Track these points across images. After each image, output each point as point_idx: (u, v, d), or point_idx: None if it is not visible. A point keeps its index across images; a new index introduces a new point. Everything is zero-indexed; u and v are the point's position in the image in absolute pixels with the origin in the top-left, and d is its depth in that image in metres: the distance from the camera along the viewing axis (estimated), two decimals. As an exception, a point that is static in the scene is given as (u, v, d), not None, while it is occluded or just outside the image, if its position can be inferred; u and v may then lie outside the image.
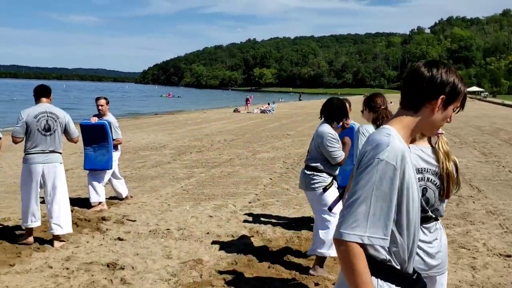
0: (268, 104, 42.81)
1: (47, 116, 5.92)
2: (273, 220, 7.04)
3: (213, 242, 6.00)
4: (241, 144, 16.77)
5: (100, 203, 7.70)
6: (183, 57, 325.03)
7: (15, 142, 5.91)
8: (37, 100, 6.11)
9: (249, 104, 42.00)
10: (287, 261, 5.36)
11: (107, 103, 7.99)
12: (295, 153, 14.38)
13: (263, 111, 38.71)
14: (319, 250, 4.86)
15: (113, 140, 7.77)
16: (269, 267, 5.16)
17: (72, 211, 7.48)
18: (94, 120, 7.71)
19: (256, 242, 6.03)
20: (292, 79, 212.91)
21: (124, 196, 8.35)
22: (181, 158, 13.48)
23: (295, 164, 12.18)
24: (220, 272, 5.01)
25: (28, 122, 5.83)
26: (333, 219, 4.72)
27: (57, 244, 5.84)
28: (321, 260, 4.92)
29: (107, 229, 6.56)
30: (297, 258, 5.43)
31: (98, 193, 7.65)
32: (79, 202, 8.04)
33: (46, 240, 6.05)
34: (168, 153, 14.53)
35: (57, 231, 5.85)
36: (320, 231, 4.85)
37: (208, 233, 6.38)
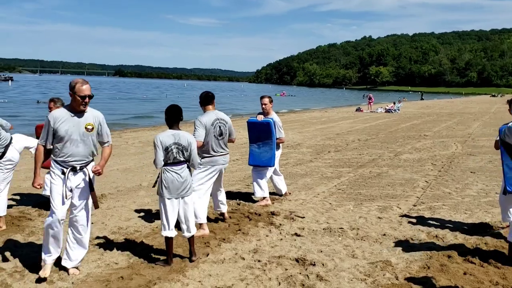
0: (394, 103, 41.55)
1: (219, 122, 6.41)
2: (448, 225, 6.72)
3: (395, 245, 5.85)
4: (378, 144, 16.39)
5: (264, 198, 7.89)
6: (296, 56, 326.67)
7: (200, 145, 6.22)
8: (205, 108, 6.45)
9: (371, 103, 41.02)
10: (483, 268, 5.06)
11: (271, 101, 8.15)
12: (440, 155, 13.73)
13: (388, 111, 37.64)
14: None
15: (276, 139, 7.91)
16: (465, 273, 4.91)
17: (239, 204, 7.82)
18: (261, 118, 7.91)
19: (439, 247, 5.78)
20: (410, 77, 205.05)
21: (283, 192, 8.48)
22: (322, 157, 13.45)
23: (446, 167, 11.60)
24: (414, 277, 4.86)
25: (206, 128, 6.25)
26: None
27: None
28: None
29: (280, 224, 6.68)
30: (495, 268, 5.10)
31: (262, 189, 7.84)
32: (241, 196, 8.33)
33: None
34: (306, 151, 14.59)
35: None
36: None
37: (384, 234, 6.25)
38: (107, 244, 5.82)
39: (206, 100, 6.48)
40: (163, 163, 5.12)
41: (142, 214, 7.27)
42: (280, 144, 8.23)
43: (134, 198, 8.35)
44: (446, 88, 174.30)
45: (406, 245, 5.82)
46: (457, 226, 6.65)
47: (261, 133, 7.86)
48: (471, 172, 10.89)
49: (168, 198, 5.15)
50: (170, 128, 5.28)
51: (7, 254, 5.39)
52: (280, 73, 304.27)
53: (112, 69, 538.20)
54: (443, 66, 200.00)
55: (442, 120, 28.64)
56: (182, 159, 5.19)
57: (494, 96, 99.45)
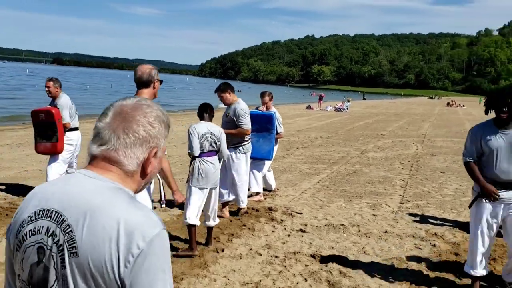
0: (343, 102, 42.51)
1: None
2: (441, 223, 6.99)
3: (400, 242, 6.02)
4: (341, 142, 16.74)
5: (258, 193, 7.89)
6: (241, 51, 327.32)
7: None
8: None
9: (321, 102, 41.79)
10: (495, 263, 5.31)
11: (271, 98, 8.18)
12: (405, 154, 14.21)
13: (337, 109, 38.46)
14: None
15: (276, 133, 7.93)
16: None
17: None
18: (263, 109, 7.93)
19: (443, 245, 6.00)
20: (351, 77, 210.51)
21: (273, 188, 8.52)
22: (292, 153, 13.59)
23: (415, 166, 12.02)
24: (430, 274, 5.03)
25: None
26: None
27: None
28: None
29: (281, 220, 6.71)
30: (501, 265, 5.36)
31: (258, 184, 7.84)
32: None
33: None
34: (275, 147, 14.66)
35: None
36: None
37: (386, 231, 6.41)
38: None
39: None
40: (199, 150, 5.26)
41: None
42: (278, 140, 8.28)
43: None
44: (385, 88, 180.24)
45: (411, 243, 6.00)
46: (450, 225, 6.92)
47: (262, 125, 7.83)
48: (441, 172, 11.34)
49: (200, 188, 5.30)
50: (201, 120, 5.52)
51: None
52: (225, 67, 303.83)
53: (50, 56, 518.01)
54: (382, 68, 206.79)
55: (392, 120, 29.60)
56: (215, 149, 5.42)
57: (431, 98, 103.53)
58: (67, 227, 1.31)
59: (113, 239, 1.27)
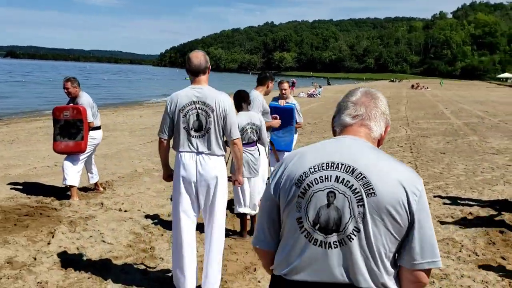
0: (315, 88, 42.81)
1: None
2: (469, 202, 7.18)
3: (442, 222, 6.17)
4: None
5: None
6: (201, 40, 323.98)
7: None
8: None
9: (293, 88, 41.97)
10: None
11: (289, 86, 8.13)
12: (398, 137, 14.48)
13: (310, 95, 38.73)
14: None
15: (296, 123, 7.92)
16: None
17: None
18: (283, 103, 7.86)
19: (482, 223, 6.17)
20: (312, 63, 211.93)
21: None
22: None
23: (415, 149, 12.29)
24: (487, 252, 5.18)
25: None
26: None
27: None
28: None
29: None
30: None
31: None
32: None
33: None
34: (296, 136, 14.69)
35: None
36: None
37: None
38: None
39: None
40: None
41: (169, 200, 6.99)
42: (297, 129, 8.26)
43: (145, 184, 8.00)
44: (345, 73, 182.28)
45: (452, 223, 6.15)
46: (479, 204, 7.12)
47: (282, 118, 7.80)
48: (441, 153, 11.63)
49: (245, 177, 5.28)
50: (239, 111, 5.41)
51: (76, 247, 4.98)
52: (185, 56, 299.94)
53: (2, 50, 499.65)
54: (342, 53, 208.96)
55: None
56: (255, 138, 5.44)
57: (393, 81, 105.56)
58: (359, 174, 1.65)
59: (399, 184, 1.64)
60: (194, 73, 3.86)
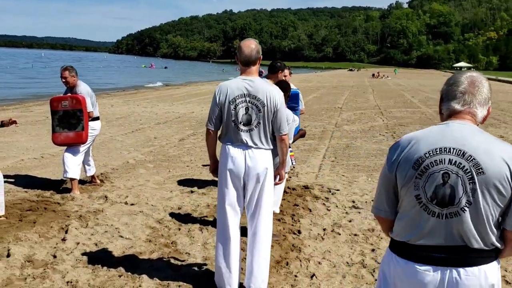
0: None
1: None
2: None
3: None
4: (309, 117, 16.64)
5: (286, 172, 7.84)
6: (158, 27, 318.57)
7: None
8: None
9: (261, 76, 41.83)
10: None
11: (290, 73, 8.06)
12: (378, 126, 14.66)
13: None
14: None
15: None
16: None
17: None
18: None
19: None
20: (272, 51, 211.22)
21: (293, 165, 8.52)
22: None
23: (397, 137, 12.47)
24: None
25: None
26: None
27: None
28: None
29: (326, 198, 6.76)
30: None
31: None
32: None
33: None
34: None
35: None
36: None
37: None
38: (200, 224, 5.43)
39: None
40: None
41: (173, 192, 6.84)
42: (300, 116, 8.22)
43: (142, 176, 7.81)
44: (305, 62, 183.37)
45: None
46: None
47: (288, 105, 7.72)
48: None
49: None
50: None
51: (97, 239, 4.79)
52: (142, 44, 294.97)
53: None
54: (301, 42, 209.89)
55: (335, 93, 30.30)
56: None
57: (351, 70, 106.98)
58: (470, 157, 1.95)
59: (503, 161, 1.93)
60: (245, 64, 3.71)
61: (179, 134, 12.60)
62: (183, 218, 5.75)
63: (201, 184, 7.32)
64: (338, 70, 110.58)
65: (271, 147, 3.81)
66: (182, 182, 7.48)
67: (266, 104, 3.66)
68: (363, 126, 14.74)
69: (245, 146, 3.69)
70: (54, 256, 4.49)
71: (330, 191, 7.07)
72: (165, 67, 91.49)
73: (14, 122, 5.72)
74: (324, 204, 6.47)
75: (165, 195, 6.68)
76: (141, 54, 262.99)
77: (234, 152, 3.70)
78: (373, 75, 64.43)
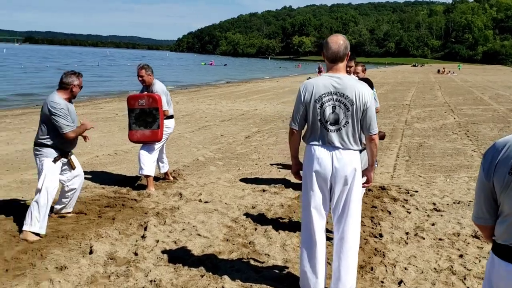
0: (343, 73, 42.18)
1: None
2: None
3: None
4: (380, 114, 16.38)
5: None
6: (218, 24, 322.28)
7: None
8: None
9: (320, 74, 41.43)
10: None
11: (363, 70, 7.84)
12: (450, 124, 14.09)
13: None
14: None
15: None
16: None
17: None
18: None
19: None
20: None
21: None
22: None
23: (471, 136, 11.89)
24: None
25: None
26: None
27: None
28: None
29: (405, 200, 6.48)
30: None
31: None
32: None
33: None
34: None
35: None
36: None
37: None
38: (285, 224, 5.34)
39: None
40: None
41: (245, 190, 6.78)
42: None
43: (213, 174, 7.83)
44: (366, 58, 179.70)
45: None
46: None
47: None
48: (503, 141, 11.21)
49: None
50: None
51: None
52: (202, 42, 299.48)
53: (21, 35, 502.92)
54: (363, 37, 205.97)
55: (402, 90, 29.48)
56: None
57: (415, 66, 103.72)
58: None
59: None
60: (332, 60, 3.55)
61: (245, 132, 12.58)
62: (258, 217, 5.66)
63: (272, 182, 7.21)
64: (401, 66, 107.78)
65: (360, 147, 3.63)
66: (253, 181, 7.41)
67: (355, 102, 3.49)
68: (434, 124, 14.18)
69: (332, 146, 3.53)
70: (136, 254, 4.50)
71: (408, 193, 6.78)
72: (225, 65, 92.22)
73: (86, 137, 5.96)
74: (403, 206, 6.20)
75: (237, 194, 6.62)
76: (201, 52, 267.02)
77: (321, 153, 3.54)
78: (439, 71, 62.19)
